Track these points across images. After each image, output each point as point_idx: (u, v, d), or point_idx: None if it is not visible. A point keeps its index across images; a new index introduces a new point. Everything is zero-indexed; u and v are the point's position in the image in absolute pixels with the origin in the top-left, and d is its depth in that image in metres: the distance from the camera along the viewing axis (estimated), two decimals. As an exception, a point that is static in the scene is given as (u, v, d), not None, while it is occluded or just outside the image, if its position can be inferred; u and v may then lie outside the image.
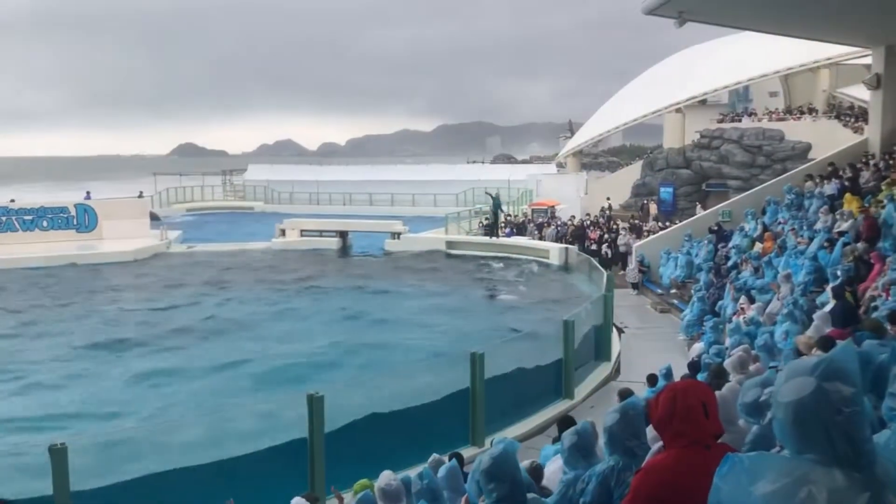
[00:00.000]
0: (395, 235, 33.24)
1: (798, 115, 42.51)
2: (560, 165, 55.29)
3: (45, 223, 33.58)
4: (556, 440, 7.69)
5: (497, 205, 32.52)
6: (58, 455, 7.97)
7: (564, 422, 7.05)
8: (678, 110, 47.61)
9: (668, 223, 31.15)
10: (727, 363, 9.21)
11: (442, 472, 6.63)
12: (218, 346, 18.70)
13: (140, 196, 40.71)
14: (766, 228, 20.31)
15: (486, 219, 35.49)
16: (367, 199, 50.47)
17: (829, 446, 1.86)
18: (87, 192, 39.11)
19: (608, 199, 39.29)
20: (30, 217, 33.41)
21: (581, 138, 54.74)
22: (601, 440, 4.64)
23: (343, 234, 34.40)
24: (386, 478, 6.01)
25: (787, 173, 25.72)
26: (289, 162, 78.24)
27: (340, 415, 10.22)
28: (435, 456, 7.51)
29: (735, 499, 1.92)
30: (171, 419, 12.34)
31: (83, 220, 34.16)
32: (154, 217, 38.66)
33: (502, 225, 33.76)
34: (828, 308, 11.46)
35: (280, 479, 9.46)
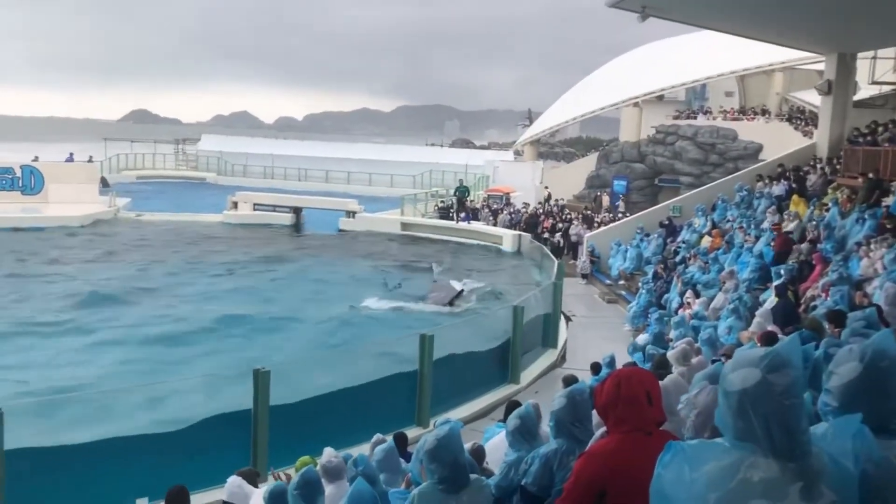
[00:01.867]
0: (351, 214, 33.04)
1: (752, 116, 43.37)
2: (517, 153, 55.49)
3: (-12, 183, 32.54)
4: (502, 422, 7.78)
5: (464, 191, 32.69)
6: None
7: (511, 406, 7.13)
8: (636, 104, 48.12)
9: (621, 215, 31.59)
10: (670, 355, 9.38)
11: (378, 454, 6.67)
12: (160, 317, 18.35)
13: (89, 161, 39.66)
14: (714, 225, 20.74)
15: (442, 202, 35.53)
16: (323, 176, 50.02)
17: (767, 436, 1.92)
18: (35, 157, 37.79)
19: (546, 187, 39.74)
20: (-28, 177, 32.33)
21: (539, 127, 55.01)
22: (544, 423, 4.72)
23: (297, 211, 34.05)
24: (328, 455, 6.05)
25: (738, 172, 26.25)
26: (244, 134, 77.01)
27: (286, 391, 10.18)
28: (378, 436, 7.55)
29: (676, 486, 1.97)
30: (111, 388, 12.10)
31: (29, 182, 33.16)
32: (105, 183, 37.74)
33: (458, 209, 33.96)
34: (769, 306, 11.79)
35: (222, 454, 9.39)
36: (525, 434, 4.67)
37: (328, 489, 5.53)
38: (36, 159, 36.22)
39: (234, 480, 7.26)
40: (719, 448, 1.99)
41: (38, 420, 9.72)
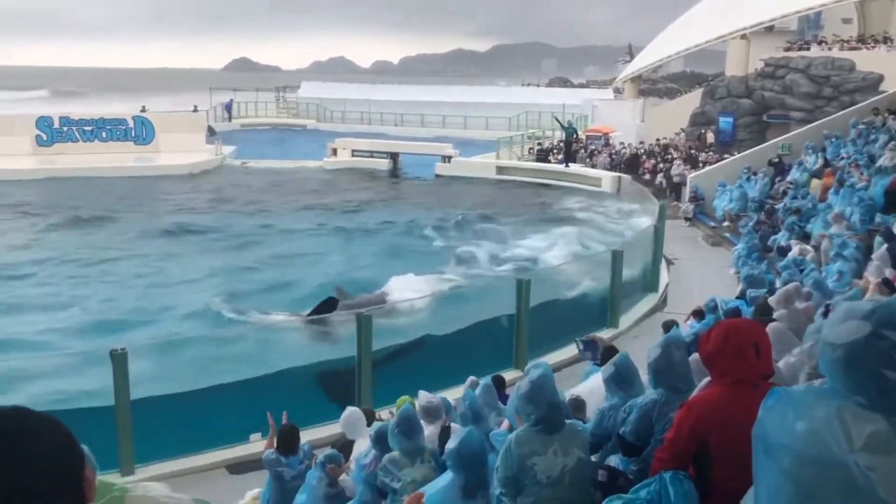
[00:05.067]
0: (446, 159, 33.02)
1: (872, 45, 40.45)
2: (617, 91, 53.88)
3: (104, 134, 34.16)
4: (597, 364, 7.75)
5: (571, 132, 32.00)
6: (118, 360, 8.31)
7: (608, 352, 7.08)
8: (743, 37, 45.65)
9: (725, 154, 30.38)
10: (773, 298, 9.07)
11: (478, 390, 6.83)
12: (269, 263, 19.03)
13: (194, 110, 41.06)
14: (827, 163, 19.67)
15: (539, 143, 35.04)
16: (419, 121, 50.08)
17: (877, 392, 1.86)
18: (143, 107, 39.49)
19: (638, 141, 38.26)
20: (89, 128, 33.98)
21: (640, 63, 53.03)
22: (642, 371, 4.68)
23: (394, 156, 34.32)
24: (425, 397, 6.21)
25: (854, 107, 24.74)
26: (341, 80, 77.82)
27: (390, 335, 10.44)
28: (472, 378, 7.66)
29: (778, 432, 1.94)
30: (222, 331, 12.72)
31: (141, 132, 34.66)
32: (211, 131, 39.03)
33: (555, 152, 33.41)
34: (884, 247, 11.13)
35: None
36: (620, 382, 4.65)
37: (427, 430, 5.69)
38: (144, 110, 37.78)
39: (352, 411, 7.28)
40: (826, 398, 1.94)
41: (158, 360, 10.32)
